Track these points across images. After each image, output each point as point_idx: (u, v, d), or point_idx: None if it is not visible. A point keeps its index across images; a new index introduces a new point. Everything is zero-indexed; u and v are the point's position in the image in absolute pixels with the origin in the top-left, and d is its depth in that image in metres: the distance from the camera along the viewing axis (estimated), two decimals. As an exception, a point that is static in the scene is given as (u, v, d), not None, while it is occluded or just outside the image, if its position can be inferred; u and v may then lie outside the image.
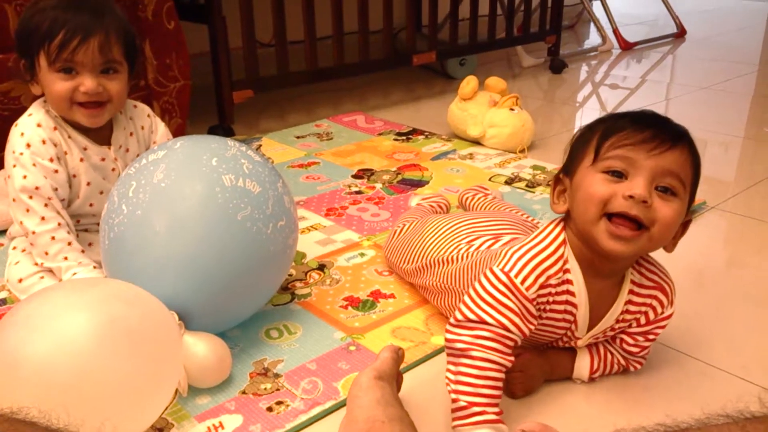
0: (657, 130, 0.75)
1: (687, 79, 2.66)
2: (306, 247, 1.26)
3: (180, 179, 0.90)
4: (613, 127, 0.77)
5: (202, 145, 0.95)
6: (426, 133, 1.94)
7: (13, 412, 0.49)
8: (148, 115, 1.16)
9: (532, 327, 0.81)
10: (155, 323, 0.79)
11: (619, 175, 0.75)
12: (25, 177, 1.01)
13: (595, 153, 0.77)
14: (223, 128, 1.86)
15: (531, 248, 0.81)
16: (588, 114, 2.26)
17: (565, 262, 0.80)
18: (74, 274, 1.01)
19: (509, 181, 1.58)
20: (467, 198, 1.36)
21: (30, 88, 1.05)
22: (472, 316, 0.79)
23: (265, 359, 0.94)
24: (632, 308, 0.85)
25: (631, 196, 0.73)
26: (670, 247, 0.81)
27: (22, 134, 1.03)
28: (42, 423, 0.48)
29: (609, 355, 0.91)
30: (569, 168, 0.82)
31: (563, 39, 2.83)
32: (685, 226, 0.81)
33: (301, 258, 1.22)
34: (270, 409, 0.85)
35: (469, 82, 1.85)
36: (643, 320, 0.87)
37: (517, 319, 0.79)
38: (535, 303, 0.80)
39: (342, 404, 0.85)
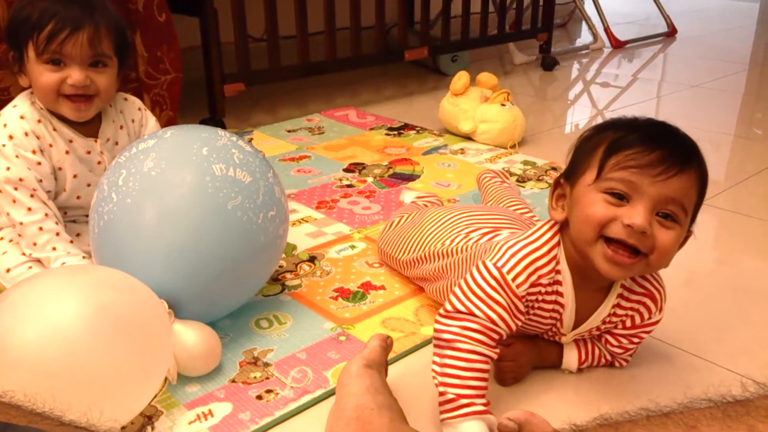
0: (665, 153, 0.72)
1: (678, 77, 2.67)
2: (297, 239, 1.26)
3: (170, 168, 0.90)
4: (620, 142, 0.74)
5: (192, 134, 0.95)
6: (417, 128, 1.94)
7: (-1, 396, 0.49)
8: (139, 108, 1.16)
9: (519, 323, 0.81)
10: (145, 311, 0.79)
11: (620, 197, 0.73)
12: (8, 168, 1.01)
13: (599, 169, 0.74)
14: (214, 121, 1.86)
15: (525, 245, 0.80)
16: (579, 112, 2.27)
17: (557, 264, 0.80)
18: (63, 263, 1.00)
19: (500, 176, 1.59)
20: (485, 178, 1.38)
21: (18, 79, 1.04)
22: (461, 308, 0.79)
23: (254, 348, 0.94)
24: (619, 311, 0.85)
25: (629, 225, 0.72)
26: (665, 264, 0.79)
27: (5, 125, 1.02)
28: (27, 406, 0.48)
29: (596, 350, 0.91)
30: (570, 174, 0.79)
31: (555, 37, 2.84)
32: (684, 240, 0.79)
33: (292, 250, 1.22)
34: (259, 397, 0.85)
35: (461, 78, 1.86)
36: (628, 323, 0.87)
37: (505, 314, 0.79)
38: (524, 300, 0.80)
39: (331, 393, 0.85)
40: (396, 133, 1.91)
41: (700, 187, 0.75)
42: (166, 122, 1.65)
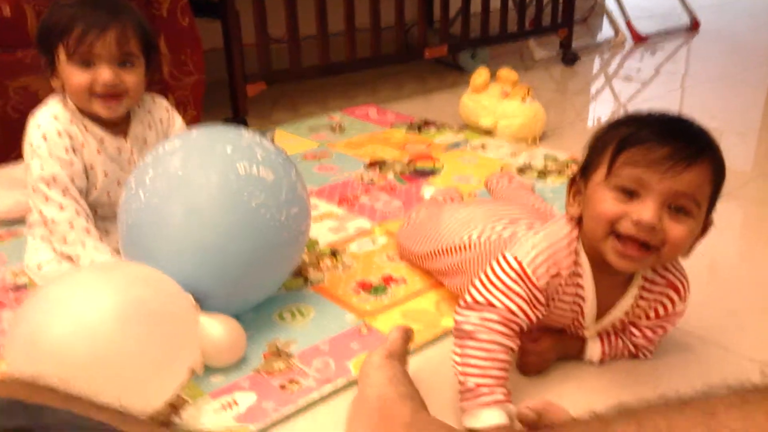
0: (675, 148, 0.72)
1: (701, 70, 2.64)
2: (319, 234, 1.28)
3: (196, 168, 0.92)
4: (630, 139, 0.74)
5: (217, 134, 0.97)
6: (438, 125, 1.95)
7: (34, 379, 0.51)
8: (167, 109, 1.19)
9: (539, 314, 0.82)
10: (172, 304, 0.81)
11: (630, 194, 0.74)
12: (42, 167, 1.04)
13: (609, 166, 0.75)
14: (237, 120, 1.89)
15: (544, 238, 0.81)
16: (601, 106, 2.26)
17: (577, 256, 0.81)
18: (92, 260, 1.03)
19: (521, 171, 1.59)
20: (491, 182, 1.38)
21: (51, 83, 1.08)
22: (480, 299, 0.80)
23: (278, 340, 0.96)
24: (642, 303, 0.85)
25: (639, 221, 0.72)
26: (685, 253, 0.79)
27: (39, 126, 1.06)
28: (62, 390, 0.50)
29: (620, 342, 0.91)
30: (585, 171, 0.80)
31: (576, 32, 2.82)
32: (705, 229, 0.79)
33: (314, 245, 1.24)
34: (283, 386, 0.87)
35: (481, 74, 1.86)
36: (652, 315, 0.87)
37: (525, 306, 0.79)
38: (544, 292, 0.81)
39: (353, 383, 0.86)
40: (416, 129, 1.92)
41: (715, 179, 0.75)
42: (190, 122, 1.68)
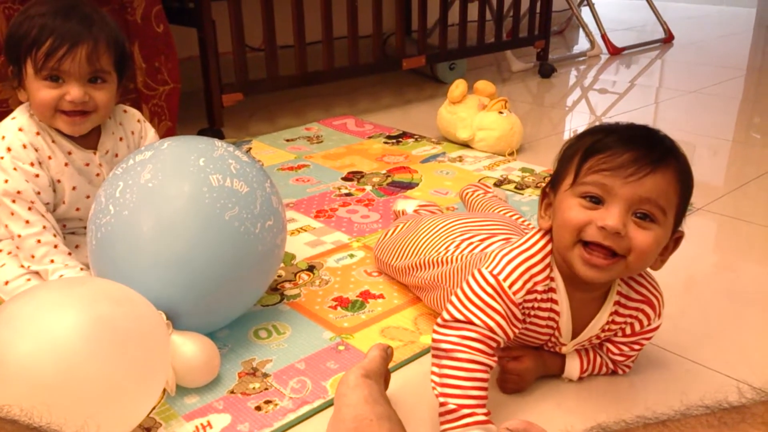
0: (638, 154, 0.72)
1: (675, 83, 2.68)
2: (295, 248, 1.26)
3: (167, 179, 0.90)
4: (596, 145, 0.75)
5: (189, 145, 0.95)
6: (416, 137, 1.94)
7: (-6, 412, 0.48)
8: (138, 120, 1.16)
9: (517, 330, 0.81)
10: (143, 322, 0.79)
11: (596, 201, 0.74)
12: (6, 181, 1.01)
13: (575, 174, 0.76)
14: (212, 131, 1.86)
15: (520, 253, 0.81)
16: (577, 118, 2.27)
17: (551, 270, 0.81)
18: (61, 276, 1.00)
19: (498, 183, 1.59)
20: (467, 193, 1.38)
21: (17, 94, 1.04)
22: (459, 317, 0.79)
23: (253, 359, 0.94)
24: (618, 319, 0.85)
25: (603, 227, 0.72)
26: (657, 265, 0.79)
27: (3, 138, 1.02)
28: (23, 421, 0.48)
29: (598, 358, 0.91)
30: (554, 182, 0.81)
31: (552, 44, 2.85)
32: (676, 242, 0.79)
33: (291, 259, 1.22)
34: (258, 408, 0.85)
35: (458, 86, 1.86)
36: (628, 331, 0.87)
37: (503, 322, 0.79)
38: (521, 307, 0.80)
39: (330, 403, 0.85)
40: (394, 141, 1.91)
41: (680, 187, 0.75)
42: (165, 133, 1.65)
